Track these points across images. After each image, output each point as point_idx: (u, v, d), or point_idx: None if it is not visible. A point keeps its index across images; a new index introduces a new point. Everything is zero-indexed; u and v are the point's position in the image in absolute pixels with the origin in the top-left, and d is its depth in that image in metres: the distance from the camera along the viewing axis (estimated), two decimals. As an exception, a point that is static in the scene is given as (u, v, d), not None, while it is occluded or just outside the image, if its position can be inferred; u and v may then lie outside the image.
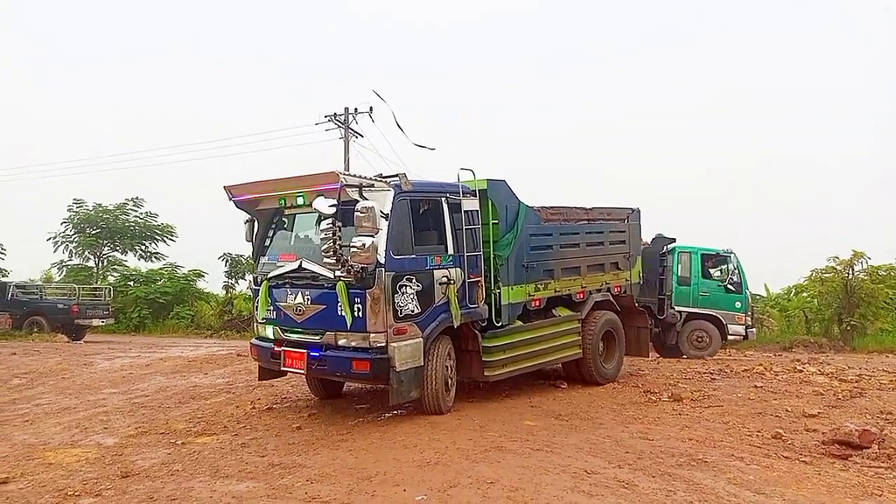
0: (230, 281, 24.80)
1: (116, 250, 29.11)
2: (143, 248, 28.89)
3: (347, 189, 6.47)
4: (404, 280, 6.79)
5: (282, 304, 7.19)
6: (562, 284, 8.89)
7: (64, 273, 28.90)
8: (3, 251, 26.77)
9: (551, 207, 8.94)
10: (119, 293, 25.67)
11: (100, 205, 28.34)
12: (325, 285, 6.78)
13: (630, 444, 6.29)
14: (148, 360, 13.15)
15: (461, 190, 7.62)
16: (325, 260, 6.43)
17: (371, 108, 26.05)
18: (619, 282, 10.09)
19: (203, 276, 26.83)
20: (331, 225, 6.27)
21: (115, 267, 29.20)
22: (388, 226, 6.64)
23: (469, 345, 7.68)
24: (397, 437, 6.35)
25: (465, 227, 7.51)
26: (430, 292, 7.06)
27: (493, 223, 8.00)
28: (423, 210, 7.30)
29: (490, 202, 7.98)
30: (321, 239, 6.43)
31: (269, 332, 7.43)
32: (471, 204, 7.69)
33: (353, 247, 6.23)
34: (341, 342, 6.75)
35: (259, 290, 7.43)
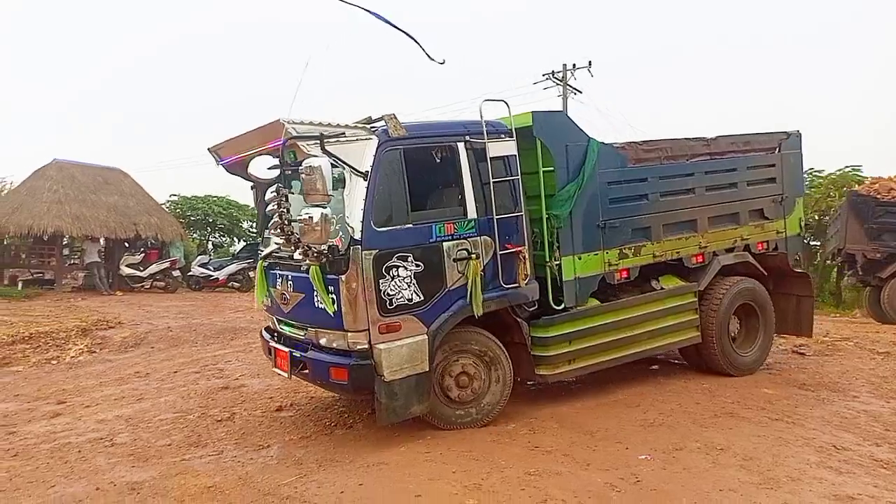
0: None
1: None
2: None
3: (301, 144, 4.84)
4: (395, 259, 5.07)
5: (272, 289, 5.85)
6: (665, 246, 6.65)
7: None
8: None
9: (645, 143, 6.78)
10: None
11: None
12: (302, 269, 5.25)
13: (892, 421, 5.53)
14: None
15: (485, 129, 5.59)
16: (275, 239, 5.16)
17: (590, 62, 25.46)
18: (764, 236, 7.41)
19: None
20: (275, 194, 4.86)
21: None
22: (368, 188, 4.98)
23: (515, 336, 5.86)
24: (619, 396, 6.29)
25: (493, 181, 5.54)
26: (439, 272, 5.28)
27: (543, 171, 5.96)
28: (428, 162, 5.50)
29: (539, 143, 5.98)
30: (266, 212, 5.07)
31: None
32: (502, 148, 5.67)
33: (301, 221, 4.73)
34: (322, 341, 5.29)
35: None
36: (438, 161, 5.52)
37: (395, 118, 5.26)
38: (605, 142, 6.39)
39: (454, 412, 5.51)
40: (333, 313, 5.03)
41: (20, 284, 18.69)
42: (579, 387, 6.74)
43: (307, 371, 5.42)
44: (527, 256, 5.65)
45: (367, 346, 5.00)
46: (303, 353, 5.44)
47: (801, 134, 7.85)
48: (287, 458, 5.00)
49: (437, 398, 5.42)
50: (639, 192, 6.54)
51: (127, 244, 20.73)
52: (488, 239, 5.51)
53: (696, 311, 6.80)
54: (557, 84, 26.05)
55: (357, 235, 4.92)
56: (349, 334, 5.03)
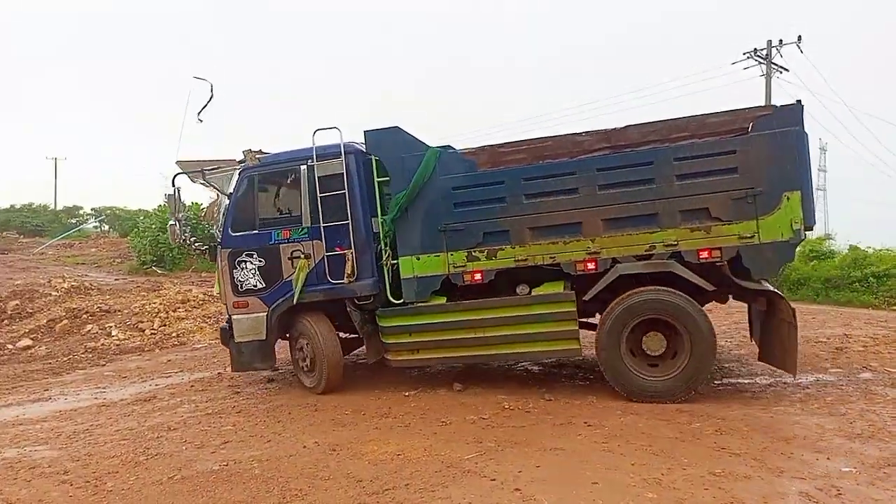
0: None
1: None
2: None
3: (188, 175, 7.36)
4: (243, 256, 6.99)
5: None
6: (532, 250, 6.36)
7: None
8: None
9: (506, 144, 6.62)
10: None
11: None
12: None
13: None
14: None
15: (314, 153, 6.81)
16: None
17: (799, 37, 23.14)
18: (714, 242, 5.97)
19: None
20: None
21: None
22: (230, 204, 7.14)
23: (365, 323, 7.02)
24: (823, 403, 5.74)
25: (320, 195, 6.75)
26: (276, 267, 6.92)
27: (378, 181, 6.79)
28: (281, 182, 7.25)
29: (373, 159, 6.78)
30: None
31: None
32: (328, 167, 6.80)
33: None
34: None
35: None
36: (290, 181, 7.10)
37: (251, 151, 7.08)
38: (452, 149, 6.71)
39: (306, 377, 7.14)
40: (217, 293, 7.74)
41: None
42: (778, 389, 6.26)
43: None
44: (350, 258, 6.71)
45: (228, 316, 7.18)
46: None
47: (800, 107, 5.90)
48: (468, 435, 5.26)
49: (295, 364, 7.28)
50: (492, 196, 6.43)
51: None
52: (319, 242, 6.81)
53: (575, 322, 6.31)
54: (760, 63, 24.01)
55: (219, 238, 7.20)
56: (224, 307, 7.55)
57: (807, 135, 5.86)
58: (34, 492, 4.54)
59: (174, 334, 11.03)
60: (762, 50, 23.94)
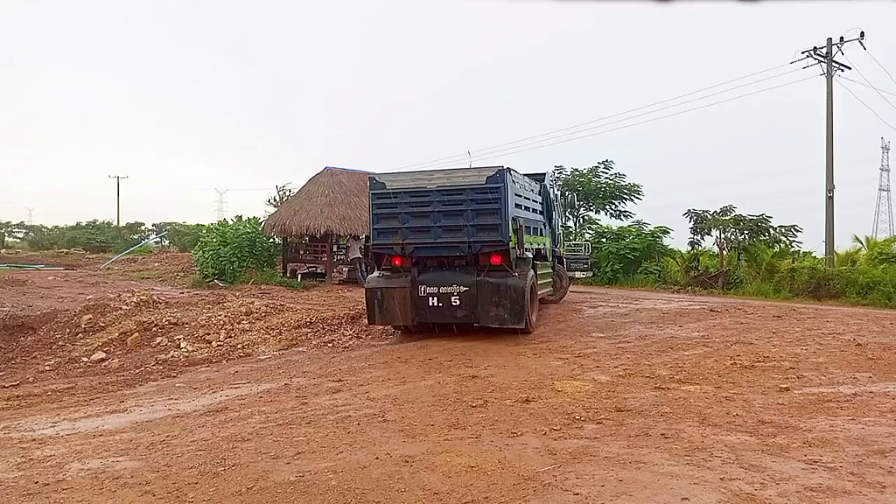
0: (695, 237, 24.42)
1: (591, 210, 31.82)
2: (612, 206, 30.86)
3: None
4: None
5: None
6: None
7: (548, 232, 32.98)
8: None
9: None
10: (594, 249, 28.08)
11: (576, 169, 31.37)
12: None
13: None
14: (625, 310, 14.16)
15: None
16: None
17: (862, 33, 22.27)
18: None
19: (668, 232, 27.18)
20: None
21: (590, 225, 31.98)
22: None
23: None
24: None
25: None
26: None
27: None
28: None
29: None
30: None
31: None
32: None
33: None
34: None
35: None
36: None
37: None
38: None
39: None
40: None
41: (299, 277, 21.71)
42: (864, 399, 5.95)
43: None
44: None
45: None
46: None
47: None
48: (540, 447, 5.16)
49: None
50: None
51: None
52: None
53: None
54: (820, 61, 23.16)
55: None
56: None
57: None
58: (119, 502, 4.64)
59: (240, 346, 11.25)
60: (822, 48, 23.11)
